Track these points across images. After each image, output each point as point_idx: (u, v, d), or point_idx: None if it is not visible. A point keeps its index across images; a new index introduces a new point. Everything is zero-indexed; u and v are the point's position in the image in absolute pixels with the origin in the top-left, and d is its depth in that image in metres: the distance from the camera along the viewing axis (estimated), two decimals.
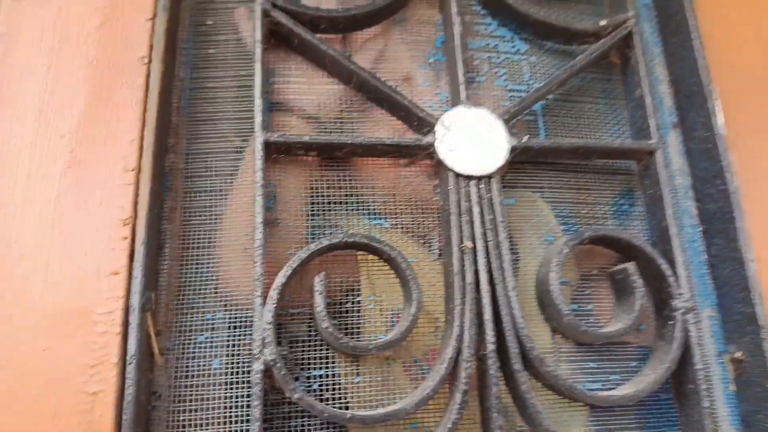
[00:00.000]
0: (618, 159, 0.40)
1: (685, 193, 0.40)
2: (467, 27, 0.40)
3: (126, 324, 0.28)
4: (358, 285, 0.36)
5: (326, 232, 0.36)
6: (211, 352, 0.32)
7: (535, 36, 0.41)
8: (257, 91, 0.34)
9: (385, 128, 0.38)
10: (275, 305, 0.30)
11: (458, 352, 0.31)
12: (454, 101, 0.37)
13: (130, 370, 0.27)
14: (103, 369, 0.27)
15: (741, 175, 0.38)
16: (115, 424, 0.27)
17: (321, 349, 0.32)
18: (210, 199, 0.35)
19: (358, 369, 0.33)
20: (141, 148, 0.31)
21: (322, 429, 0.32)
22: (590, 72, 0.42)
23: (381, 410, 0.30)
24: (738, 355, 0.36)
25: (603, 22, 0.40)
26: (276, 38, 0.37)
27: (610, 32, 0.40)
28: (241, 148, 0.36)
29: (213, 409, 0.31)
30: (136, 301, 0.28)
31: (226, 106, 0.37)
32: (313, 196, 0.36)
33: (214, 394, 0.31)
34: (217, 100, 0.37)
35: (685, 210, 0.40)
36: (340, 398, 0.32)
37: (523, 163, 0.39)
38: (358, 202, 0.37)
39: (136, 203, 0.30)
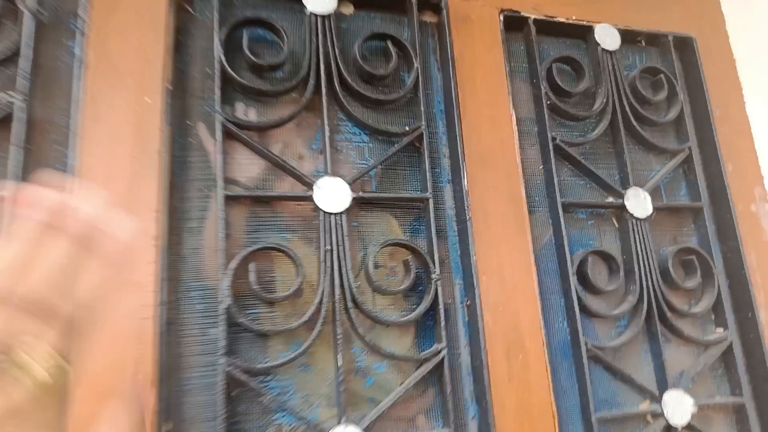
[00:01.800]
0: (414, 202, 0.75)
1: (449, 219, 0.76)
2: (334, 128, 0.74)
3: (158, 300, 0.59)
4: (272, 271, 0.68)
5: (257, 240, 0.68)
6: (201, 296, 0.63)
7: (372, 133, 0.75)
8: (219, 170, 0.65)
9: (288, 185, 0.70)
10: (231, 276, 0.62)
11: (321, 299, 0.65)
12: (326, 171, 0.70)
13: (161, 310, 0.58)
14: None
15: (474, 208, 0.74)
16: (156, 341, 0.58)
17: (254, 302, 0.65)
18: (193, 226, 0.66)
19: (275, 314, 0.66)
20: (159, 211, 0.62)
21: (255, 343, 0.64)
22: (403, 152, 0.76)
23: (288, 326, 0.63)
24: (467, 303, 0.72)
25: (407, 128, 0.75)
26: (228, 137, 0.68)
27: (412, 132, 0.75)
28: (208, 197, 0.67)
29: (199, 327, 0.62)
30: (162, 278, 0.59)
31: (199, 173, 0.68)
32: (249, 222, 0.68)
33: (201, 315, 0.63)
34: (194, 170, 0.68)
35: (450, 227, 0.75)
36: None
37: (381, 201, 0.72)
38: (277, 225, 0.69)
39: (160, 228, 0.61)
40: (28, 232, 0.32)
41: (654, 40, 0.96)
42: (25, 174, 0.60)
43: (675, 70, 0.94)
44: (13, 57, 0.62)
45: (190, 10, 0.72)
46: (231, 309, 0.61)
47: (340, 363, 0.64)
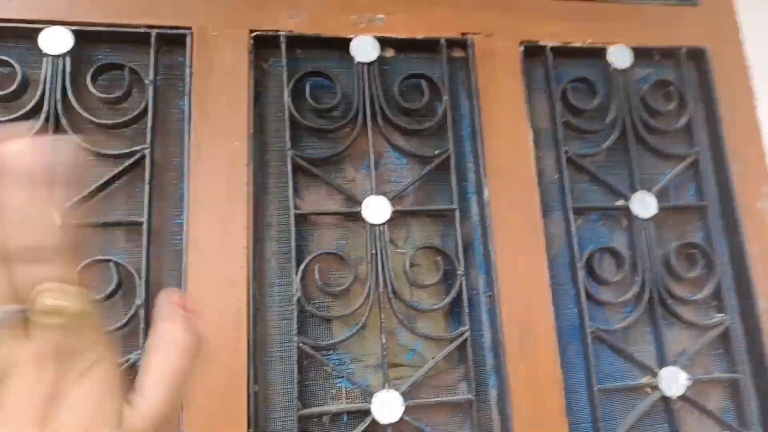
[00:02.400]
0: (443, 212, 0.92)
1: (475, 225, 0.92)
2: (379, 154, 0.92)
3: (248, 294, 0.80)
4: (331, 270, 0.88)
5: (320, 246, 0.88)
6: (278, 291, 0.84)
7: (409, 156, 0.93)
8: (291, 193, 0.85)
9: (342, 202, 0.90)
10: (301, 275, 0.82)
11: (369, 292, 0.84)
12: (372, 190, 0.89)
13: (251, 302, 0.80)
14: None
15: (493, 219, 0.90)
16: (248, 325, 0.79)
17: (318, 294, 0.85)
18: (273, 236, 0.87)
19: (334, 303, 0.86)
20: (248, 227, 0.83)
21: (320, 325, 0.85)
22: (435, 171, 0.93)
23: (344, 312, 0.83)
24: (489, 293, 0.89)
25: (436, 152, 0.92)
26: (296, 167, 0.88)
27: (442, 154, 0.92)
28: (283, 214, 0.88)
29: (278, 310, 0.84)
30: (251, 277, 0.80)
31: (276, 196, 0.89)
32: (313, 232, 0.88)
33: (279, 305, 0.84)
34: (273, 194, 0.89)
35: (476, 231, 0.92)
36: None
37: (416, 212, 0.91)
38: (335, 234, 0.89)
39: (248, 239, 0.82)
40: None
41: (667, 53, 1.06)
42: (152, 202, 0.83)
43: (687, 80, 1.04)
44: (140, 116, 0.85)
45: (265, 66, 0.92)
46: (301, 300, 0.82)
47: (384, 341, 0.83)
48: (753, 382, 0.94)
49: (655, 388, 0.89)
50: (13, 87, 0.81)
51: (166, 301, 0.36)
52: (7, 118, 0.81)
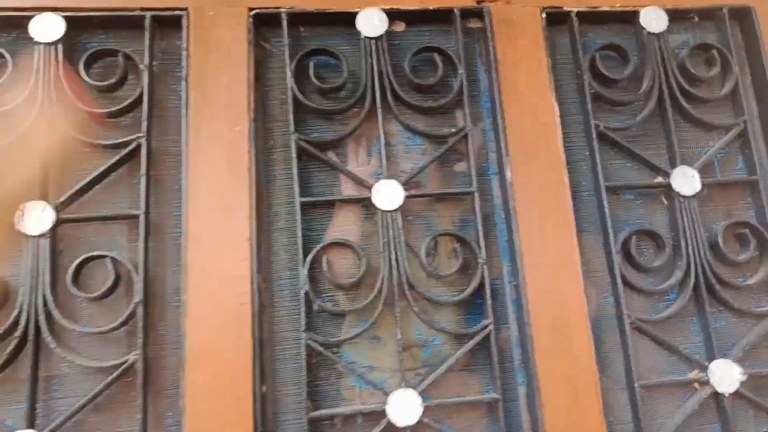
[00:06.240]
0: (461, 195, 0.85)
1: (497, 208, 0.85)
2: (390, 134, 0.85)
3: (252, 288, 0.75)
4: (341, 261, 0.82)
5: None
6: (288, 284, 0.79)
7: (423, 136, 0.86)
8: (296, 181, 0.80)
9: (355, 189, 0.83)
10: (308, 267, 0.76)
11: (382, 283, 0.77)
12: (383, 174, 0.82)
13: (255, 297, 0.74)
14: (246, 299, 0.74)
15: (518, 202, 0.82)
16: (252, 320, 0.73)
17: (328, 287, 0.79)
18: (281, 227, 0.81)
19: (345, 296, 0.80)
20: (250, 217, 0.77)
21: (331, 320, 0.79)
22: (450, 152, 0.86)
23: (355, 306, 0.77)
24: (514, 282, 0.81)
25: (453, 130, 0.85)
26: (301, 152, 0.82)
27: (455, 134, 0.85)
28: (290, 202, 0.82)
29: (287, 305, 0.78)
30: (255, 270, 0.75)
31: (282, 183, 0.83)
32: (322, 220, 0.82)
33: (289, 299, 0.78)
34: (278, 181, 0.83)
35: (498, 215, 0.85)
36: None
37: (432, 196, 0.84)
38: (344, 222, 0.83)
39: (251, 230, 0.76)
40: None
41: (708, 14, 0.96)
42: (149, 194, 0.78)
43: (731, 43, 0.94)
44: (136, 103, 0.80)
45: (266, 46, 0.87)
46: (309, 293, 0.76)
47: (399, 337, 0.76)
48: None
49: (705, 383, 0.80)
50: (4, 77, 0.78)
51: None
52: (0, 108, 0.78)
